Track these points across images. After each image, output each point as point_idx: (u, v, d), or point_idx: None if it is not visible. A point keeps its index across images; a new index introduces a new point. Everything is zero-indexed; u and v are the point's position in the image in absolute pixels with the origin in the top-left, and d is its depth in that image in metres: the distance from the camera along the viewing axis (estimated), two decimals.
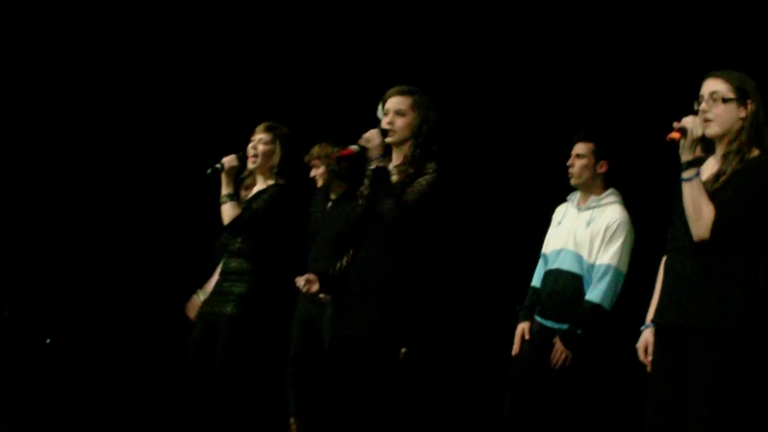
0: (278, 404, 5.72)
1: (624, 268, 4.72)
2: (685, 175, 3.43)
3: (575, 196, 4.97)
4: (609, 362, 4.70)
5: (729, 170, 3.44)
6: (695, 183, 3.41)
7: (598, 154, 4.84)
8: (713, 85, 3.51)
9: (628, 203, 4.85)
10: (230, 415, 4.77)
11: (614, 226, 4.73)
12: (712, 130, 3.50)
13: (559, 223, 4.96)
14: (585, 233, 4.77)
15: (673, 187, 3.66)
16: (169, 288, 6.61)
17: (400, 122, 4.08)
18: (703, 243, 3.40)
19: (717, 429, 3.32)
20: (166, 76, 7.04)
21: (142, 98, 7.09)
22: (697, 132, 3.44)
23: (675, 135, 3.45)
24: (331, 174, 5.67)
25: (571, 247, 4.81)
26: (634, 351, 3.71)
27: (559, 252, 4.85)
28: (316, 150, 5.68)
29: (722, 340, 3.35)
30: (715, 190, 3.44)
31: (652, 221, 4.72)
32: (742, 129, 3.47)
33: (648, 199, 4.92)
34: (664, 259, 3.67)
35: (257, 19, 6.81)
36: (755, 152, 3.47)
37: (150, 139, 7.11)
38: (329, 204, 5.73)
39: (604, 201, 4.83)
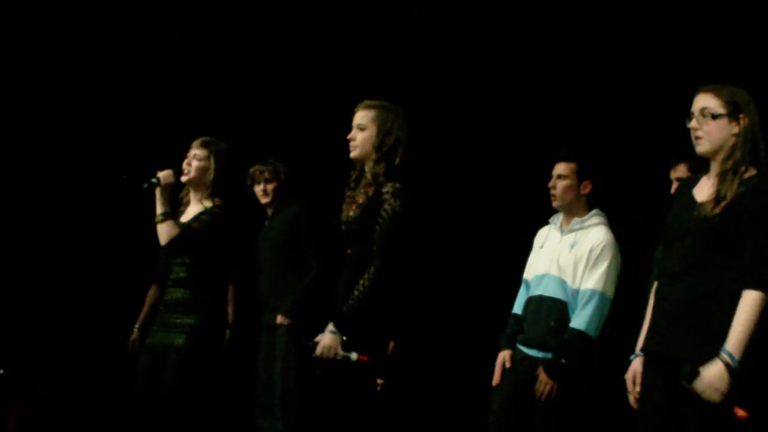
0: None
1: (610, 293, 4.51)
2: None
3: (558, 219, 4.76)
4: (599, 393, 4.50)
5: (729, 194, 3.26)
6: (737, 354, 3.17)
7: (580, 174, 4.63)
8: (703, 101, 3.35)
9: (613, 225, 4.64)
10: None
11: (598, 249, 4.52)
12: (703, 147, 3.35)
13: (541, 246, 4.76)
14: (568, 257, 4.57)
15: (662, 207, 3.51)
16: (114, 311, 6.45)
17: (360, 137, 4.01)
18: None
19: None
20: (100, 88, 6.81)
21: (73, 110, 6.85)
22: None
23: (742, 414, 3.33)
24: (278, 191, 5.58)
25: (554, 272, 4.60)
26: (623, 381, 3.54)
27: (541, 277, 4.65)
28: (262, 166, 5.58)
29: None
30: (714, 216, 3.26)
31: (640, 244, 4.58)
32: (735, 146, 3.31)
33: (635, 221, 4.77)
34: (654, 284, 3.51)
35: (206, 30, 6.62)
36: (752, 171, 3.32)
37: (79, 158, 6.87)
38: (266, 222, 5.66)
39: (587, 223, 4.62)
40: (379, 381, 4.89)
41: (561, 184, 4.62)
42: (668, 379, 3.30)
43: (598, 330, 4.47)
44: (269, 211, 5.64)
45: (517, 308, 4.76)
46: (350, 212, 4.05)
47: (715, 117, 3.32)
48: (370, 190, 3.96)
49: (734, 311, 3.21)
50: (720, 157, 3.33)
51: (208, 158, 4.77)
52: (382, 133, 3.98)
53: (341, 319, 3.89)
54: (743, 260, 3.22)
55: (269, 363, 5.45)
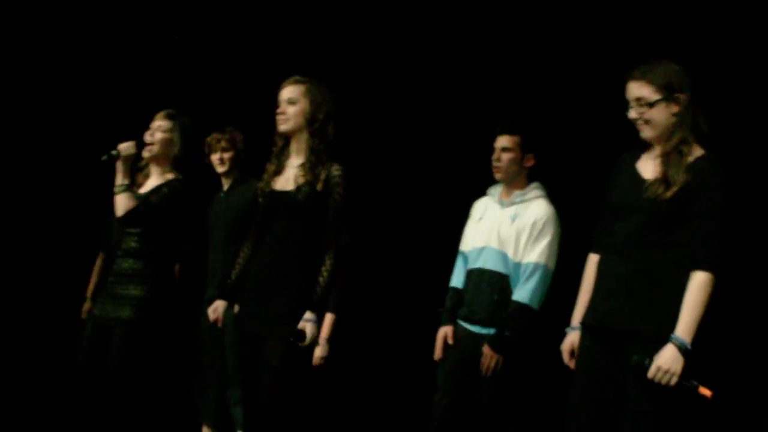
0: (180, 410, 5.52)
1: (552, 266, 4.52)
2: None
3: (496, 190, 4.73)
4: (537, 365, 4.52)
5: (679, 179, 3.28)
6: (687, 337, 3.21)
7: (524, 147, 4.61)
8: (637, 91, 3.36)
9: (553, 199, 4.63)
10: (129, 422, 4.52)
11: (541, 223, 4.51)
12: (647, 134, 3.38)
13: (480, 218, 4.72)
14: (510, 230, 4.55)
15: (600, 180, 3.53)
16: (57, 289, 6.34)
17: (291, 110, 4.04)
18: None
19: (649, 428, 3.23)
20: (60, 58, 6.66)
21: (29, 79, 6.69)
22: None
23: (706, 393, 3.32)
24: (236, 160, 5.45)
25: (494, 244, 4.58)
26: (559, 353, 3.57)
27: (481, 250, 4.62)
28: (220, 134, 5.44)
29: (659, 344, 3.23)
30: (665, 201, 3.28)
31: (576, 217, 4.61)
32: (676, 125, 3.32)
33: (572, 194, 4.79)
34: (591, 258, 3.53)
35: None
36: (697, 151, 3.34)
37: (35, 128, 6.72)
38: (222, 195, 5.52)
39: (528, 195, 4.61)
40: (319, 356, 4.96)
41: (506, 157, 4.59)
42: (610, 352, 3.33)
43: (540, 303, 4.48)
44: (225, 183, 5.51)
45: (456, 281, 4.73)
46: (277, 186, 4.07)
47: (651, 105, 3.32)
48: (314, 168, 3.99)
49: (677, 286, 3.24)
50: (663, 137, 3.34)
51: (172, 131, 4.73)
52: (314, 106, 4.03)
53: (319, 307, 3.94)
54: (692, 242, 3.25)
55: (216, 339, 5.34)
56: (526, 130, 4.64)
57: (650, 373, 3.19)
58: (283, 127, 4.05)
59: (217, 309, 4.27)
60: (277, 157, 4.11)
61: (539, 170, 4.68)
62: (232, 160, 5.44)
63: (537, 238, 4.51)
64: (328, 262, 3.94)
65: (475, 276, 4.61)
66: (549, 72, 5.32)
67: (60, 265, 6.46)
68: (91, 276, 5.76)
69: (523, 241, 4.52)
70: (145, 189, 4.74)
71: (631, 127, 3.46)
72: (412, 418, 5.38)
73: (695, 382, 3.25)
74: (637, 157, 3.46)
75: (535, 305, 4.46)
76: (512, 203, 4.62)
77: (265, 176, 4.09)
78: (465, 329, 4.60)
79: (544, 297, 4.49)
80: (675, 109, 3.32)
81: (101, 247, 5.71)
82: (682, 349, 3.19)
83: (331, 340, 5.08)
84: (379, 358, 5.81)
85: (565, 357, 3.53)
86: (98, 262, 5.76)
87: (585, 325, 3.45)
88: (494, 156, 4.62)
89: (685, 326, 3.21)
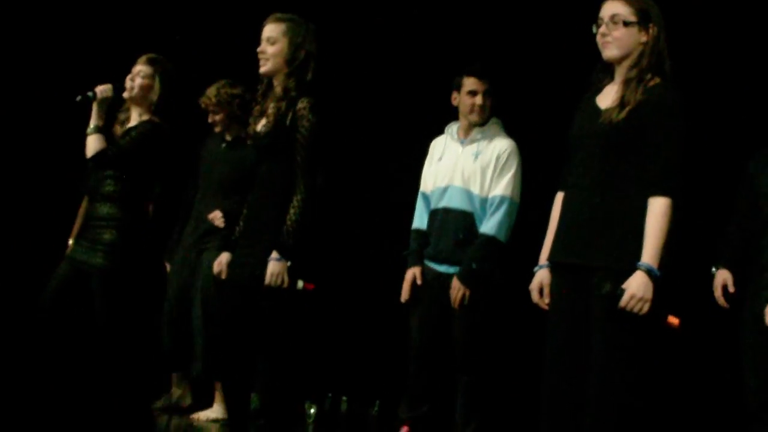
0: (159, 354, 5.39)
1: (518, 199, 4.49)
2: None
3: (453, 128, 4.66)
4: (506, 300, 4.49)
5: (633, 100, 3.22)
6: (654, 263, 3.17)
7: (492, 92, 4.57)
8: (614, 8, 3.29)
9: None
10: (114, 368, 4.62)
11: (505, 156, 4.49)
12: (611, 52, 3.29)
13: (440, 158, 4.64)
14: (474, 167, 4.49)
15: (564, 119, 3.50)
16: (43, 232, 6.13)
17: (270, 50, 3.97)
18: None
19: (618, 361, 3.21)
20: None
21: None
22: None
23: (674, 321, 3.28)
24: (230, 119, 5.22)
25: (458, 183, 4.51)
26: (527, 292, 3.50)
27: (444, 189, 4.54)
28: (212, 93, 5.18)
29: (625, 276, 3.18)
30: (619, 122, 3.22)
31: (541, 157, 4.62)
32: (642, 54, 3.27)
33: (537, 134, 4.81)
34: (558, 196, 3.46)
35: None
36: (656, 80, 3.26)
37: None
38: (223, 145, 5.30)
39: (489, 132, 4.56)
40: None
41: (478, 101, 4.54)
42: (577, 288, 3.28)
43: (507, 235, 4.45)
44: (228, 135, 5.27)
45: (419, 223, 4.65)
46: (258, 127, 4.02)
47: (626, 24, 3.26)
48: (282, 105, 3.92)
49: (637, 217, 3.19)
50: (627, 63, 3.28)
51: (152, 77, 4.71)
52: (294, 46, 3.96)
53: (284, 246, 3.89)
54: (649, 169, 3.19)
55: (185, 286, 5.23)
56: (495, 76, 4.60)
57: (623, 302, 3.13)
58: (263, 68, 3.99)
59: (221, 261, 4.24)
60: (262, 98, 4.04)
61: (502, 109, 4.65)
62: (225, 120, 5.23)
63: (501, 172, 4.50)
64: (295, 201, 3.91)
65: (440, 215, 4.54)
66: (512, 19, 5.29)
67: (45, 209, 6.27)
68: (76, 219, 5.70)
69: (489, 176, 4.50)
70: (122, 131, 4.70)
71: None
72: (383, 363, 5.47)
73: (664, 310, 3.24)
74: (597, 92, 3.40)
75: (501, 237, 4.44)
76: (473, 141, 4.56)
77: (251, 119, 4.05)
78: (433, 270, 4.54)
79: (510, 230, 4.47)
80: (644, 38, 3.27)
81: (86, 191, 5.65)
82: (650, 275, 3.14)
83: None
84: (344, 304, 5.77)
85: (534, 296, 3.48)
86: (83, 205, 5.69)
87: (552, 262, 3.40)
88: (477, 100, 4.54)
89: (650, 253, 3.16)
